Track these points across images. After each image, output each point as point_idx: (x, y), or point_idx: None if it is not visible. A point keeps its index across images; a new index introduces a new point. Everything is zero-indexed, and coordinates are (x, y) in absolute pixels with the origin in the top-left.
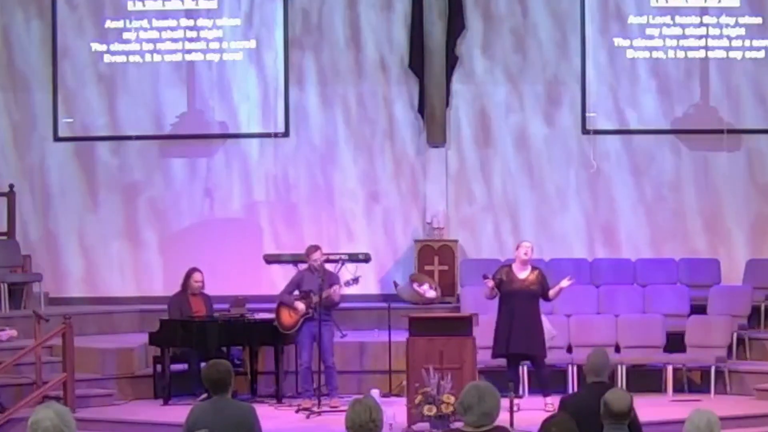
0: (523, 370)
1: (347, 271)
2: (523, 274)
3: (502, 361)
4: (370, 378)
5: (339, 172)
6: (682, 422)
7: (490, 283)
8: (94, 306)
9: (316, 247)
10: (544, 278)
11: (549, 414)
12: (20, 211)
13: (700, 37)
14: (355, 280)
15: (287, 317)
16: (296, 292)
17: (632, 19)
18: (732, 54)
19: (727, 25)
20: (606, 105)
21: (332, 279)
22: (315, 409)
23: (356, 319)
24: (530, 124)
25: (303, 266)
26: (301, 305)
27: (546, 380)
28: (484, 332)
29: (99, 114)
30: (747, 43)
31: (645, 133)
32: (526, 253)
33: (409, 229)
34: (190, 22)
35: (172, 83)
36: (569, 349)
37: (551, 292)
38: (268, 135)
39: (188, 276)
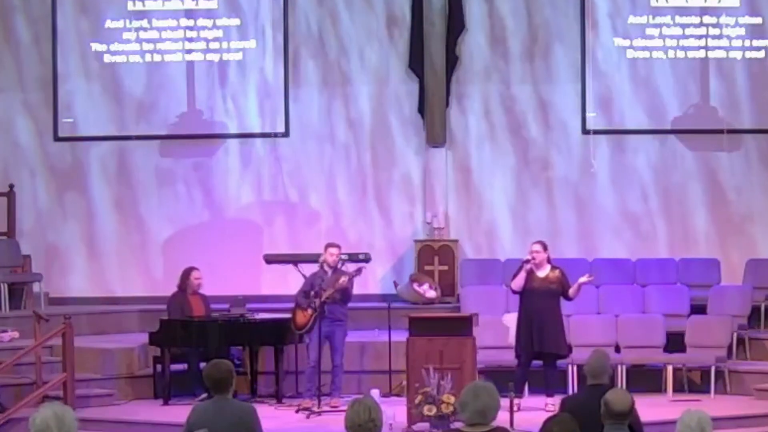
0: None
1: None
2: (542, 272)
3: (502, 361)
4: (370, 378)
5: (339, 171)
6: None
7: (528, 265)
8: (94, 306)
9: (333, 244)
10: (565, 277)
11: (550, 414)
12: (20, 211)
13: (700, 37)
14: (358, 271)
15: (301, 317)
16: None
17: (632, 19)
18: (732, 54)
19: (727, 25)
20: (606, 105)
21: (339, 274)
22: (315, 408)
23: (356, 319)
24: (530, 124)
25: (314, 266)
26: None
27: (553, 380)
28: (484, 332)
29: (99, 114)
30: (747, 43)
31: (645, 133)
32: (533, 257)
33: (409, 229)
34: (190, 22)
35: (172, 83)
36: (569, 349)
37: (571, 291)
38: (268, 135)
39: (187, 275)
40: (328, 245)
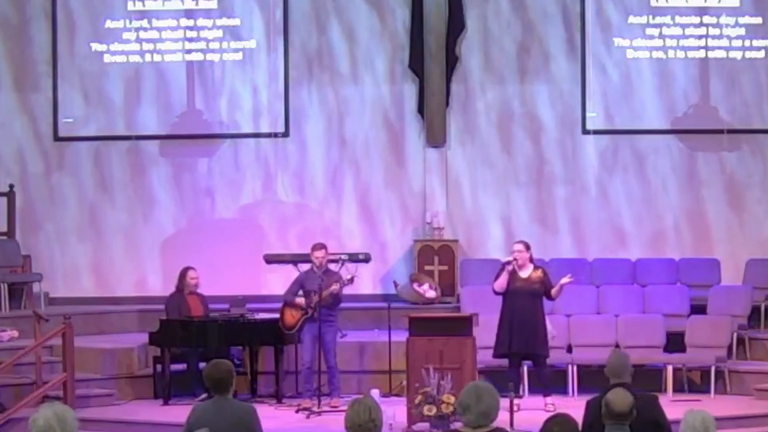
0: (524, 370)
1: (347, 271)
2: (525, 272)
3: (502, 361)
4: (370, 378)
5: (339, 171)
6: None
7: (510, 266)
8: (94, 306)
9: (320, 246)
10: (547, 277)
11: (550, 414)
12: (20, 211)
13: (700, 37)
14: (351, 280)
15: (289, 317)
16: (300, 292)
17: (632, 19)
18: (732, 54)
19: (727, 25)
20: (606, 105)
21: (333, 278)
22: (315, 409)
23: (356, 319)
24: (530, 124)
25: (307, 266)
26: (300, 300)
27: (547, 380)
28: (484, 332)
29: (99, 114)
30: (747, 43)
31: (645, 133)
32: (515, 258)
33: (409, 229)
34: (190, 22)
35: (172, 83)
36: (569, 349)
37: (553, 291)
38: (268, 135)
39: (183, 275)
40: (313, 248)
